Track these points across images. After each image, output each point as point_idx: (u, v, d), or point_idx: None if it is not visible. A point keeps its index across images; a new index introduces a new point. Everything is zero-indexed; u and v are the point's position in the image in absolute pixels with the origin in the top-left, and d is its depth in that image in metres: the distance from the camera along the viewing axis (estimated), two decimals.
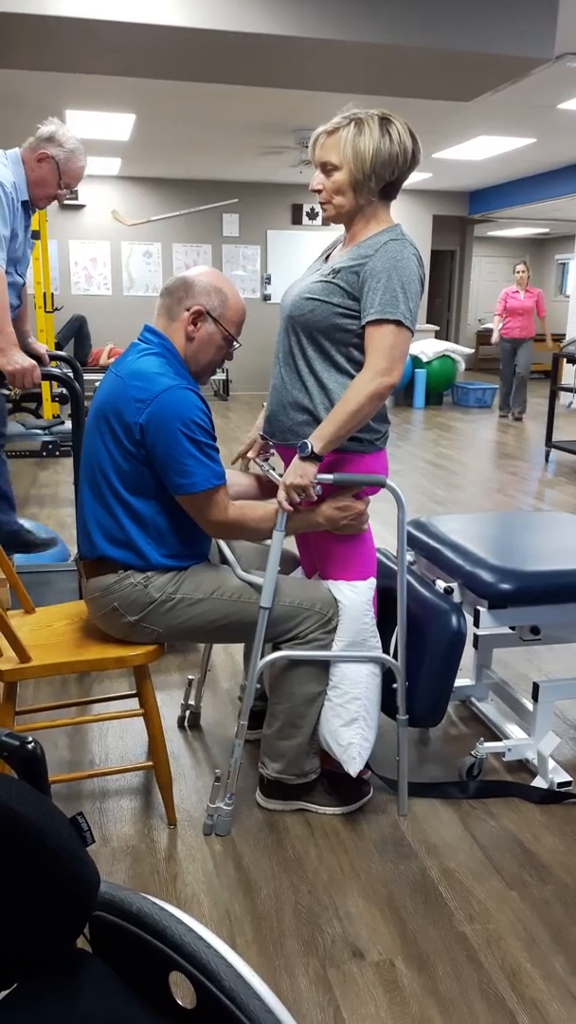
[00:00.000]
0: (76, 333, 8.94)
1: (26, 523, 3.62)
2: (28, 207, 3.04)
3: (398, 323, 1.88)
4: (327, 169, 1.93)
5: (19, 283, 3.11)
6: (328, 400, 1.98)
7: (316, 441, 1.89)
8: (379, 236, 1.94)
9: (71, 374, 3.49)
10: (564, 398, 10.80)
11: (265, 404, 2.18)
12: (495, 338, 9.22)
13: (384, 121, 1.89)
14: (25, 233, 3.06)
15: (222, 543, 2.18)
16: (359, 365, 1.97)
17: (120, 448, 1.89)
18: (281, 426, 2.07)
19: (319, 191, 1.96)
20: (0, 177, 2.84)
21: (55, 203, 3.12)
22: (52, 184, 2.96)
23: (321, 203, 1.99)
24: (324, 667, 2.09)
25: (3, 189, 2.81)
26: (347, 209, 1.96)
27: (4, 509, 3.45)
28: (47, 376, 2.94)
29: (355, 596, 2.08)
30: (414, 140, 1.92)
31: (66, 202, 10.07)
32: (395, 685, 2.13)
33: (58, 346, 8.42)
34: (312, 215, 10.95)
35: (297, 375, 2.01)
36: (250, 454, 2.31)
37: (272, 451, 2.27)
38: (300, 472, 1.91)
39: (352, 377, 1.97)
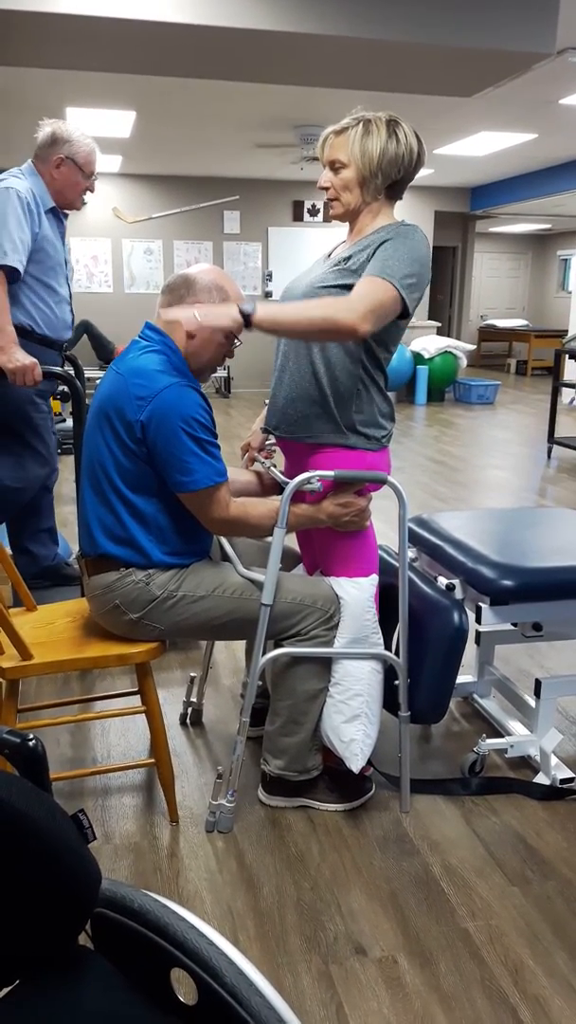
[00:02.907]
0: (87, 336, 8.75)
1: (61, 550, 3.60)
2: (59, 214, 3.04)
3: (392, 285, 1.85)
4: (335, 167, 1.97)
5: (66, 296, 3.10)
6: (339, 392, 1.98)
7: (262, 308, 1.79)
8: (389, 226, 1.96)
9: (72, 372, 3.48)
10: (566, 394, 10.78)
11: (267, 402, 2.18)
12: None
13: (391, 123, 1.94)
14: (61, 241, 3.06)
15: (223, 540, 2.18)
16: (374, 357, 1.97)
17: (121, 446, 1.89)
18: (288, 419, 2.06)
19: (327, 188, 2.00)
20: (9, 184, 2.84)
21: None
22: (79, 181, 3.00)
23: (329, 200, 2.01)
24: (326, 664, 2.09)
25: (16, 194, 2.82)
26: (354, 206, 1.99)
27: (47, 543, 3.45)
28: (48, 374, 2.94)
29: (357, 593, 2.08)
30: (419, 142, 1.97)
31: None
32: (397, 682, 2.13)
33: None
34: (313, 212, 10.93)
35: (309, 367, 2.00)
36: (253, 443, 2.31)
37: (274, 447, 2.27)
38: (223, 311, 1.78)
39: (365, 369, 1.97)
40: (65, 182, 2.97)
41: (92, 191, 3.06)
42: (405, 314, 1.92)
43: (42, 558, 3.42)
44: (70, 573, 3.48)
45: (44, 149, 2.95)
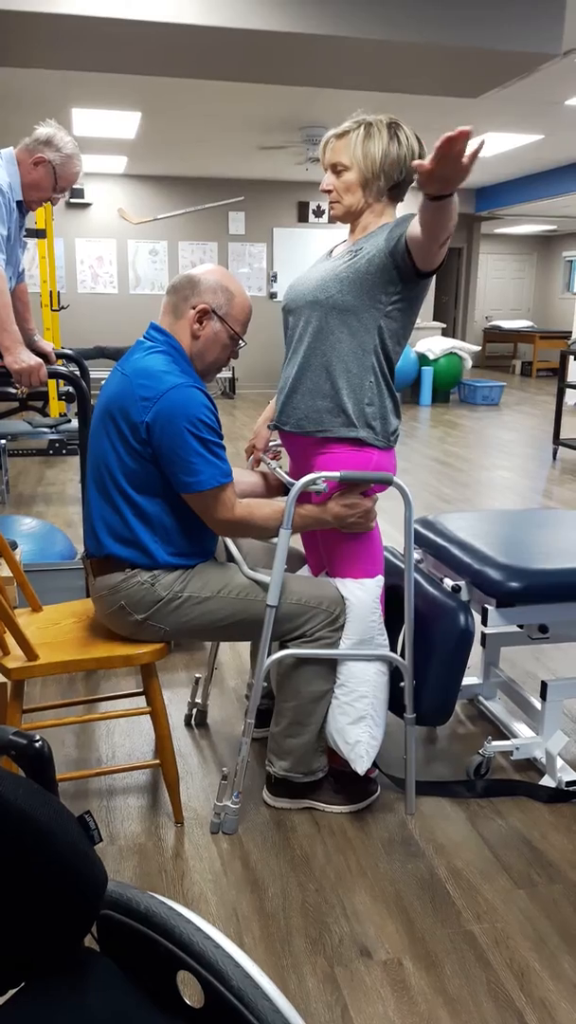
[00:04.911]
0: (103, 358, 8.42)
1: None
2: (22, 208, 3.03)
3: None
4: (337, 170, 1.99)
5: (11, 285, 3.09)
6: (352, 382, 1.97)
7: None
8: (393, 221, 1.97)
9: (77, 372, 3.48)
10: (571, 395, 10.76)
11: (272, 402, 2.18)
12: None
13: (392, 126, 1.95)
14: (19, 234, 3.05)
15: (229, 541, 2.18)
16: (386, 349, 1.97)
17: (126, 446, 1.89)
18: (297, 413, 2.05)
19: (329, 191, 2.01)
20: None
21: (61, 202, 3.12)
22: (47, 188, 2.95)
23: (331, 203, 2.02)
24: (331, 665, 2.09)
25: None
26: (356, 208, 2.00)
27: None
28: (53, 374, 2.94)
29: (363, 594, 2.08)
30: (420, 144, 1.98)
31: (72, 200, 10.08)
32: (403, 683, 2.12)
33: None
34: (319, 213, 10.94)
35: (322, 359, 1.99)
36: (258, 444, 2.31)
37: (279, 447, 2.27)
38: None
39: (378, 359, 1.97)
40: (37, 183, 2.94)
41: (54, 204, 3.03)
42: (432, 271, 1.90)
43: None
44: None
45: (36, 143, 2.93)
